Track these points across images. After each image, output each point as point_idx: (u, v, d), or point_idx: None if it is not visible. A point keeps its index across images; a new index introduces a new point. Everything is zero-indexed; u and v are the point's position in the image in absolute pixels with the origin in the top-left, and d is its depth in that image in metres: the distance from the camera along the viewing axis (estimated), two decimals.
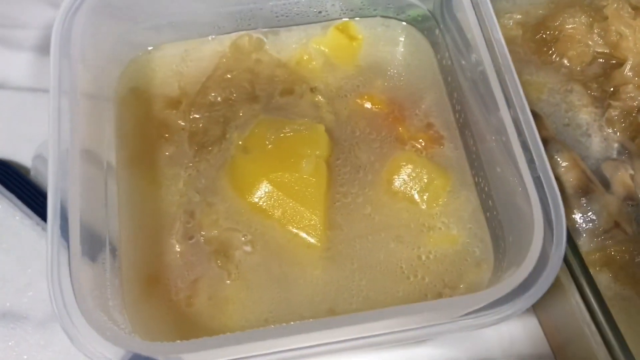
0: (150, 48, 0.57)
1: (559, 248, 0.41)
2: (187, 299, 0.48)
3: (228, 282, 0.48)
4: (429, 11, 0.57)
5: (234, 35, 0.58)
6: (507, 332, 0.61)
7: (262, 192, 0.51)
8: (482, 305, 0.40)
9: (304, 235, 0.50)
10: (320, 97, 0.56)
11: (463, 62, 0.52)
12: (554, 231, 0.42)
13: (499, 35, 0.48)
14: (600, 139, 0.56)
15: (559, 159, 0.53)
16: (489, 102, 0.47)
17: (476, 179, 0.52)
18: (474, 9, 0.50)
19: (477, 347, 0.62)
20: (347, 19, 0.59)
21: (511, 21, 0.61)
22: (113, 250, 0.48)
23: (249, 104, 0.55)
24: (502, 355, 0.61)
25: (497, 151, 0.47)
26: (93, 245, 0.44)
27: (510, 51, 0.58)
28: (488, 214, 0.50)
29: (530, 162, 0.44)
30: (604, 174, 0.54)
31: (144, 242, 0.50)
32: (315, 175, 0.51)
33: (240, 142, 0.53)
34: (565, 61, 0.59)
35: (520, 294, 0.41)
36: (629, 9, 0.58)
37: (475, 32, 0.49)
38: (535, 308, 0.58)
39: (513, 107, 0.46)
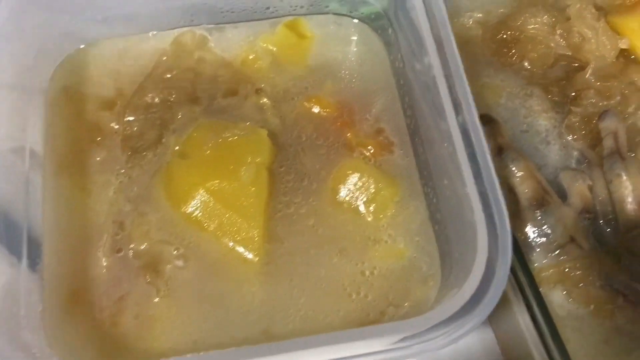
0: (85, 44, 0.53)
1: (504, 268, 0.38)
2: (111, 317, 0.44)
3: (157, 299, 0.44)
4: (382, 9, 0.52)
5: (176, 32, 0.54)
6: (463, 344, 0.58)
7: (197, 201, 0.47)
8: (419, 330, 0.37)
9: (240, 249, 0.46)
10: (265, 99, 0.52)
11: (415, 65, 0.48)
12: (499, 251, 0.38)
13: (450, 39, 0.44)
14: (560, 146, 0.53)
15: (514, 169, 0.49)
16: (438, 108, 0.44)
17: (425, 189, 0.48)
18: (425, 9, 0.46)
19: None
20: (297, 16, 0.55)
21: (471, 20, 0.57)
22: (32, 265, 0.44)
23: (188, 106, 0.51)
24: None
25: (444, 161, 0.43)
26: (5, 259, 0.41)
27: (468, 52, 0.55)
28: (437, 226, 0.47)
29: (477, 175, 0.40)
30: (562, 184, 0.51)
31: (68, 255, 0.45)
32: (255, 184, 0.47)
33: (177, 147, 0.49)
34: (526, 63, 0.55)
35: (461, 316, 0.37)
36: (593, 10, 0.54)
37: (426, 33, 0.45)
38: (491, 322, 0.55)
39: (462, 116, 0.42)
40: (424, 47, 0.45)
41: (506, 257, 0.38)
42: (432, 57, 0.44)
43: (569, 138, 0.53)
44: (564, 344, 0.41)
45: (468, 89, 0.43)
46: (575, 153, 0.52)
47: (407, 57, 0.50)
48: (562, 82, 0.54)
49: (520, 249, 0.44)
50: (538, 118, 0.53)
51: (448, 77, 0.44)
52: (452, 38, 0.44)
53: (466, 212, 0.40)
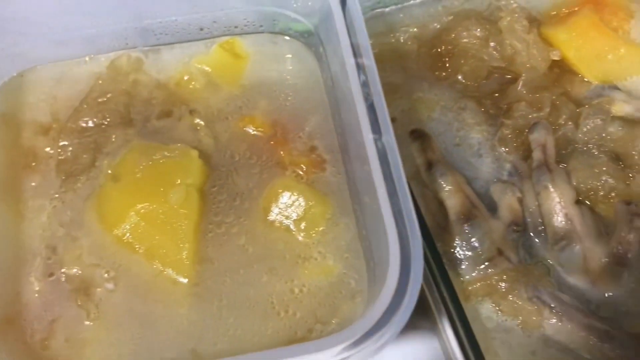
0: (22, 71, 0.53)
1: (415, 286, 0.38)
2: (42, 341, 0.44)
3: (87, 322, 0.45)
4: (313, 27, 0.53)
5: (112, 55, 0.55)
6: (410, 353, 0.59)
7: (128, 224, 0.47)
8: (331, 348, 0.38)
9: (170, 271, 0.46)
10: (199, 119, 0.52)
11: (341, 83, 0.48)
12: (411, 268, 0.39)
13: (370, 61, 0.45)
14: (492, 159, 0.53)
15: (442, 183, 0.50)
16: (357, 128, 0.44)
17: (354, 206, 0.49)
18: (347, 29, 0.47)
19: None
20: (232, 36, 0.56)
21: (407, 35, 0.57)
22: None
23: (122, 129, 0.51)
24: None
25: (366, 179, 0.44)
26: None
27: (404, 67, 0.56)
28: (364, 243, 0.47)
29: (392, 194, 0.41)
30: (493, 197, 0.51)
31: (1, 280, 0.46)
32: (185, 206, 0.48)
33: (109, 171, 0.49)
34: (460, 77, 0.55)
35: (376, 331, 0.38)
36: (524, 22, 0.54)
37: (346, 54, 0.45)
38: (435, 331, 0.56)
39: (378, 135, 0.42)
40: (344, 66, 0.46)
41: (417, 274, 0.38)
42: (352, 78, 0.44)
43: (502, 150, 0.53)
44: (483, 356, 0.42)
45: (386, 109, 0.43)
46: (508, 165, 0.52)
47: (335, 75, 0.50)
48: (495, 94, 0.55)
49: (443, 263, 0.45)
50: (471, 131, 0.54)
51: (367, 97, 0.44)
52: (372, 60, 0.45)
53: (382, 229, 0.41)
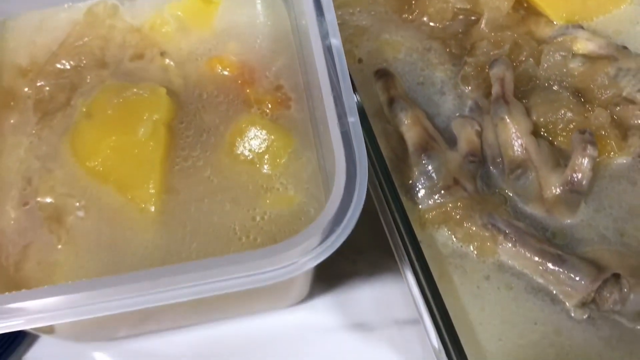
0: (4, 18, 0.56)
1: (358, 203, 0.40)
2: (16, 263, 0.47)
3: (59, 247, 0.47)
4: None
5: (89, 2, 0.57)
6: (384, 297, 0.60)
7: (99, 157, 0.49)
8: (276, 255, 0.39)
9: (138, 199, 0.49)
10: (169, 61, 0.54)
11: (303, 22, 0.50)
12: (356, 187, 0.40)
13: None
14: (454, 96, 0.54)
15: (402, 117, 0.51)
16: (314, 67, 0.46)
17: (316, 141, 0.50)
18: None
19: (353, 311, 0.61)
20: None
21: None
22: None
23: (97, 70, 0.53)
24: (378, 319, 0.60)
25: (321, 109, 0.46)
26: None
27: (371, 10, 0.57)
28: (323, 174, 0.49)
29: (341, 117, 0.42)
30: (454, 132, 0.52)
31: None
32: (152, 139, 0.50)
33: (84, 109, 0.52)
34: (426, 19, 0.56)
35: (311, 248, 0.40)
36: None
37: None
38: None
39: (333, 69, 0.44)
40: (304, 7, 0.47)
41: (361, 195, 0.40)
42: (309, 16, 0.46)
43: (464, 89, 0.54)
44: (434, 281, 0.43)
45: (340, 45, 0.45)
46: (470, 102, 0.53)
47: (298, 17, 0.52)
48: (460, 35, 0.56)
49: (397, 191, 0.46)
50: (435, 71, 0.55)
51: (324, 37, 0.46)
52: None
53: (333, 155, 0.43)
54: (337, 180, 0.40)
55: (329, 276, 0.61)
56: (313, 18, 0.46)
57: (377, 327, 0.58)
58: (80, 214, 0.48)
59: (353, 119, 0.42)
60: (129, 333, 0.59)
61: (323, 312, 0.60)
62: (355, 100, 0.43)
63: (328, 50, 0.45)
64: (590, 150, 0.46)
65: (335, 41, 0.45)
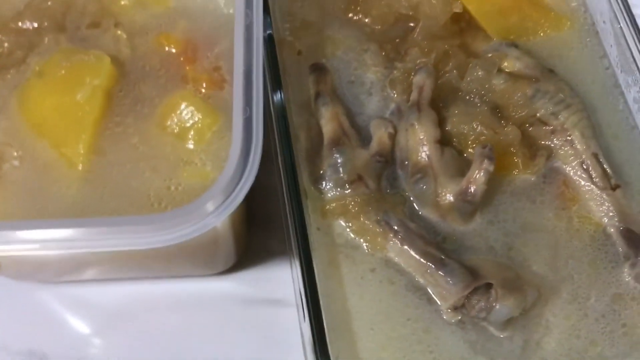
0: None
1: (250, 176, 0.45)
2: None
3: None
4: None
5: None
6: (263, 275, 0.64)
7: (41, 113, 0.53)
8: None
9: (68, 156, 0.53)
10: (121, 32, 0.58)
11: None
12: (249, 163, 0.45)
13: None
14: (380, 98, 0.56)
15: (323, 111, 0.54)
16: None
17: None
18: None
19: (273, 286, 0.64)
20: None
21: None
22: None
23: (55, 33, 0.57)
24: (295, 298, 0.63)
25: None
26: None
27: (321, 6, 0.60)
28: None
29: (246, 104, 0.46)
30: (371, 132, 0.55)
31: None
32: (89, 103, 0.53)
33: (37, 68, 0.56)
34: (368, 20, 0.59)
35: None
36: None
37: None
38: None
39: (248, 60, 0.48)
40: None
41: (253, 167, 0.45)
42: (237, 5, 0.49)
43: (391, 92, 0.56)
44: (312, 262, 0.46)
45: (261, 37, 0.48)
46: (393, 105, 0.55)
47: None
48: (397, 40, 0.58)
49: (296, 177, 0.49)
50: (367, 72, 0.57)
51: (248, 27, 0.49)
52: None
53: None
54: (232, 153, 0.44)
55: (259, 252, 0.65)
56: (241, 7, 0.49)
57: (293, 304, 0.62)
58: (16, 163, 0.53)
59: (257, 107, 0.46)
60: (69, 278, 0.64)
61: (247, 284, 0.64)
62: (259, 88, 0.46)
63: (248, 39, 0.48)
64: (486, 164, 0.48)
65: (257, 32, 0.48)
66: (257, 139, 0.45)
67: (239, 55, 0.47)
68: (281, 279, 0.63)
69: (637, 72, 0.53)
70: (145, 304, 0.63)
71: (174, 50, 0.57)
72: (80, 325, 0.63)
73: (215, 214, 0.45)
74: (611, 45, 0.57)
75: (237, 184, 0.45)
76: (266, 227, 0.66)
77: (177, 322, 0.62)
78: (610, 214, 0.51)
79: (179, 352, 0.60)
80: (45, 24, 0.58)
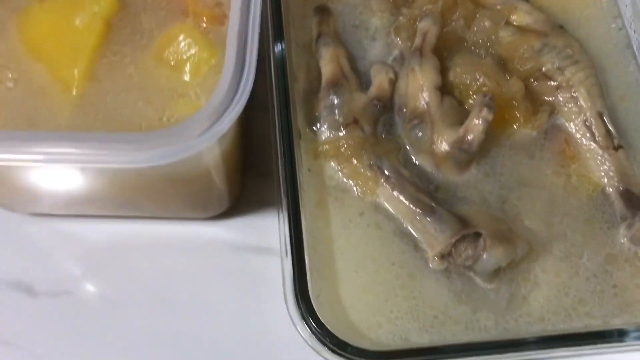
0: None
1: (243, 95, 0.44)
2: None
3: None
4: None
5: None
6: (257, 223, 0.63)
7: (39, 37, 0.52)
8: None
9: (63, 81, 0.52)
10: None
11: None
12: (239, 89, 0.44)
13: None
14: (383, 44, 0.55)
15: (323, 52, 0.52)
16: None
17: None
18: None
19: (263, 235, 0.63)
20: None
21: None
22: None
23: None
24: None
25: None
26: None
27: None
28: None
29: (240, 34, 0.45)
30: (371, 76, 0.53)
31: None
32: (88, 29, 0.52)
33: None
34: None
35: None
36: None
37: None
38: None
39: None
40: None
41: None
42: None
43: (395, 39, 0.55)
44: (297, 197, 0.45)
45: None
46: (396, 52, 0.54)
47: None
48: None
49: (289, 115, 0.48)
50: (372, 17, 0.56)
51: None
52: None
53: None
54: (224, 73, 0.43)
55: (252, 201, 0.64)
56: None
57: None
58: (10, 84, 0.52)
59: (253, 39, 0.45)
60: (62, 211, 0.63)
61: (237, 231, 0.63)
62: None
63: None
64: (485, 112, 0.47)
65: None
66: (250, 68, 0.44)
67: None
68: (271, 229, 0.62)
69: None
70: (136, 243, 0.62)
71: None
72: (69, 260, 0.62)
73: (202, 138, 0.44)
74: (626, 5, 0.55)
75: (226, 109, 0.44)
76: (261, 178, 0.65)
77: (165, 263, 0.62)
78: (611, 174, 0.49)
79: (164, 292, 0.60)
80: None
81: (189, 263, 0.61)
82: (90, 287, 0.61)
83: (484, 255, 0.45)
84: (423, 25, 0.52)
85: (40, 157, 0.44)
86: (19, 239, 0.63)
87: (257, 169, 0.65)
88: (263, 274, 0.60)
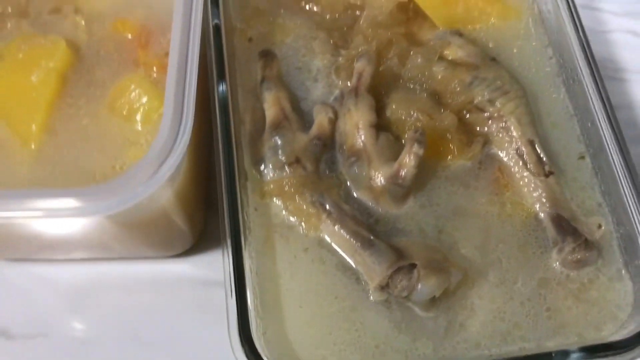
0: None
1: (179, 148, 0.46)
2: None
3: None
4: None
5: None
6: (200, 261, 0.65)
7: None
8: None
9: (21, 136, 0.54)
10: (80, 18, 0.59)
11: None
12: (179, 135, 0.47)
13: None
14: (325, 84, 0.57)
15: (266, 96, 0.55)
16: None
17: None
18: None
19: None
20: None
21: None
22: None
23: (18, 18, 0.59)
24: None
25: None
26: None
27: None
28: None
29: (178, 84, 0.48)
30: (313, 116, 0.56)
31: None
32: (44, 84, 0.55)
33: None
34: (318, 9, 0.60)
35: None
36: None
37: None
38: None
39: (184, 43, 0.49)
40: None
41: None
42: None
43: (336, 79, 0.57)
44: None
45: (199, 27, 0.50)
46: (337, 92, 0.56)
47: None
48: (345, 28, 0.58)
49: (234, 162, 0.50)
50: (314, 58, 0.58)
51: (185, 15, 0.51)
52: None
53: None
54: (164, 119, 0.46)
55: (217, 235, 0.66)
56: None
57: None
58: None
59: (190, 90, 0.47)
60: (33, 256, 0.66)
61: (203, 267, 0.65)
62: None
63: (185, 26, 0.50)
64: (416, 148, 0.49)
65: (195, 19, 0.50)
66: (188, 111, 0.47)
67: (175, 38, 0.49)
68: None
69: (575, 60, 0.53)
70: (106, 284, 0.64)
71: (129, 36, 0.59)
72: (42, 303, 0.64)
73: (148, 184, 0.46)
74: (555, 34, 0.57)
75: (169, 154, 0.46)
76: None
77: (136, 300, 0.63)
78: (543, 199, 0.51)
79: (137, 329, 0.62)
80: (9, 9, 0.60)
81: (158, 300, 0.63)
82: (65, 328, 0.63)
83: (419, 286, 0.47)
84: (358, 65, 0.54)
85: None
86: None
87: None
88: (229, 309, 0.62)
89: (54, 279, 0.65)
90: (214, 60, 0.54)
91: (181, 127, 0.46)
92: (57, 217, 0.47)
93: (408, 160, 0.49)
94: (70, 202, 0.46)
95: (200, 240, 0.65)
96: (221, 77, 0.53)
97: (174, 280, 0.64)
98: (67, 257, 0.65)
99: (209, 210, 0.66)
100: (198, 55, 0.49)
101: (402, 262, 0.47)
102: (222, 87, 0.53)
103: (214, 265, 0.64)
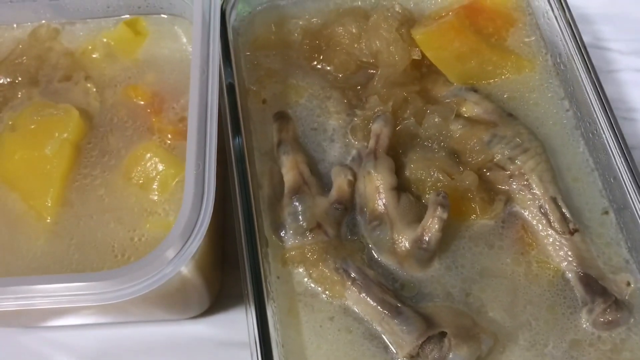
0: None
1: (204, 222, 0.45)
2: None
3: None
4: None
5: (36, 24, 0.63)
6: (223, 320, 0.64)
7: (12, 166, 0.54)
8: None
9: (37, 209, 0.53)
10: (91, 85, 0.59)
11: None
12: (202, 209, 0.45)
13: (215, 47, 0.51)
14: (342, 145, 0.57)
15: (284, 160, 0.54)
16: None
17: None
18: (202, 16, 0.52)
19: (245, 329, 0.64)
20: (138, 15, 0.62)
21: (296, 27, 0.62)
22: None
23: (28, 88, 0.58)
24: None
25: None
26: None
27: (285, 55, 0.60)
28: None
29: (198, 159, 0.47)
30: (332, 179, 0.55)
31: None
32: (58, 156, 0.54)
33: (10, 122, 0.57)
34: (330, 68, 0.59)
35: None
36: (391, 22, 0.57)
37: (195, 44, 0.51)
38: None
39: (202, 113, 0.49)
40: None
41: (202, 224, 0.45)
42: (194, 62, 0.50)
43: (352, 139, 0.57)
44: (266, 309, 0.46)
45: (216, 93, 0.49)
46: (354, 152, 0.56)
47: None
48: (358, 87, 0.58)
49: (254, 228, 0.50)
50: (329, 118, 0.57)
51: (203, 80, 0.50)
52: (217, 46, 0.51)
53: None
54: (184, 205, 0.45)
55: (234, 294, 0.65)
56: (197, 61, 0.50)
57: None
58: None
59: (210, 163, 0.46)
60: (50, 324, 0.64)
61: (221, 327, 0.64)
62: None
63: (203, 93, 0.49)
64: (439, 212, 0.48)
65: (212, 86, 0.49)
66: (209, 189, 0.46)
67: (193, 109, 0.48)
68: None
69: (594, 113, 0.53)
70: (125, 348, 0.63)
71: (141, 102, 0.58)
72: None
73: (173, 263, 0.45)
74: (572, 87, 0.57)
75: (192, 231, 0.45)
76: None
77: None
78: (569, 258, 0.50)
79: None
80: (19, 78, 0.59)
81: None
82: None
83: (450, 355, 0.46)
84: (375, 127, 0.54)
85: (14, 302, 0.45)
86: (10, 349, 0.64)
87: (236, 257, 0.66)
88: None
89: (69, 344, 0.64)
90: (230, 122, 0.54)
91: (204, 202, 0.45)
92: (83, 303, 0.46)
93: (432, 224, 0.48)
94: (96, 287, 0.45)
95: (218, 297, 0.64)
96: (237, 139, 0.53)
97: (193, 341, 0.63)
98: (83, 323, 0.64)
99: (225, 264, 0.65)
100: (216, 124, 0.48)
101: (432, 331, 0.46)
102: (239, 151, 0.52)
103: (234, 325, 0.64)
